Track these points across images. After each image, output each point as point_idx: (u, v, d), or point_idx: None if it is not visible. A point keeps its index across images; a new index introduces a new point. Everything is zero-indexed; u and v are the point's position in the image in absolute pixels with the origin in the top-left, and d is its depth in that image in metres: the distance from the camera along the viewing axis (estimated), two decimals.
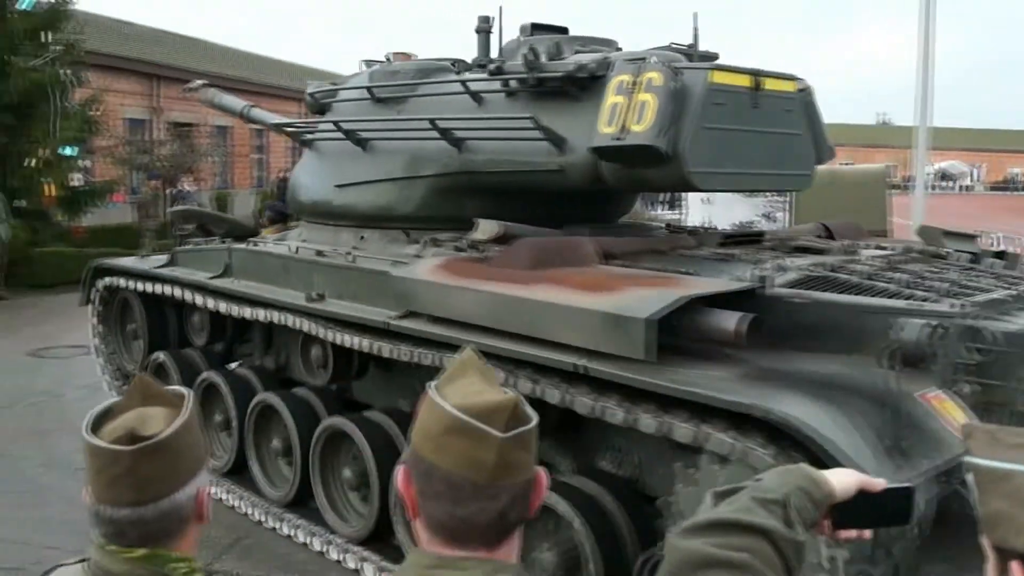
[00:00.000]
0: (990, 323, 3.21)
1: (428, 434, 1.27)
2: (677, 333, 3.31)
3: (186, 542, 1.53)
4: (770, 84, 4.46)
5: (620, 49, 4.90)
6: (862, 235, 5.23)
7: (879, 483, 1.43)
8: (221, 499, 5.82)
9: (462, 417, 1.24)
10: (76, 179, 16.27)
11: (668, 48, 4.68)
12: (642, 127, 4.09)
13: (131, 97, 25.57)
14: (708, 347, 3.32)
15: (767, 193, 11.03)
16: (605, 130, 4.18)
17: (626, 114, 4.14)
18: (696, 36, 4.79)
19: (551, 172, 4.49)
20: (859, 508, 1.40)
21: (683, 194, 12.83)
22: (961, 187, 72.01)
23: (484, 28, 5.24)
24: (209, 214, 7.55)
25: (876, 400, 2.88)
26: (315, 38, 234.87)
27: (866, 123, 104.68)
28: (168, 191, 17.94)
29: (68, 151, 16.00)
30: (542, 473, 1.35)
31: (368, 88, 5.28)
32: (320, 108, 5.83)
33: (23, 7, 15.95)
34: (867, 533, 1.43)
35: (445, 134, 4.75)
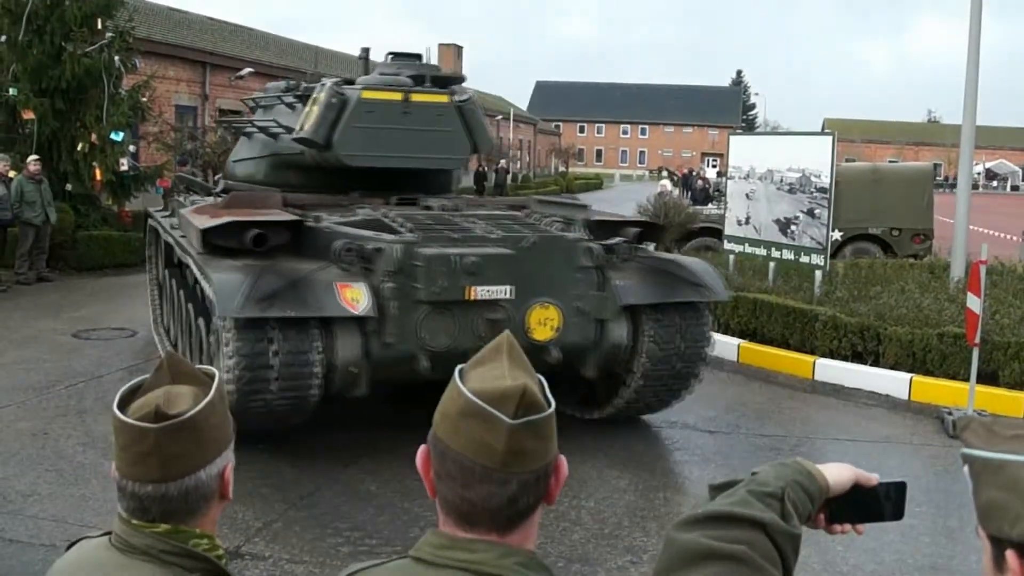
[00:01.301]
0: (422, 248, 6.03)
1: (446, 415, 1.28)
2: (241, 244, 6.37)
3: (208, 519, 1.53)
4: (420, 97, 7.53)
5: (424, 76, 7.84)
6: (555, 208, 7.89)
7: (873, 478, 1.44)
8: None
9: (474, 400, 1.25)
10: (124, 164, 16.35)
11: (409, 68, 7.91)
12: (308, 127, 7.43)
13: (180, 84, 25.72)
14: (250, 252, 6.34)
15: (811, 190, 10.91)
16: (296, 129, 7.59)
17: (304, 119, 7.51)
18: (427, 61, 8.17)
19: (298, 155, 7.89)
20: (854, 502, 1.41)
21: (723, 190, 14.12)
22: (1010, 187, 70.32)
23: (363, 56, 8.61)
24: (192, 180, 10.68)
25: (287, 275, 5.83)
26: (375, 25, 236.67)
27: (916, 120, 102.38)
28: (216, 177, 18.04)
29: (117, 136, 16.13)
30: (562, 460, 1.34)
31: (254, 99, 8.90)
32: (252, 109, 9.10)
33: None
34: (861, 527, 1.45)
35: (264, 131, 8.35)
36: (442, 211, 7.19)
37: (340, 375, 6.07)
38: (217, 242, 6.35)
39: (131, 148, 17.32)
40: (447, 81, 8.08)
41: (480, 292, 6.14)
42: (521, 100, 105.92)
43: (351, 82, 7.80)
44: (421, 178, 8.12)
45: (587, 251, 6.55)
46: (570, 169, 70.45)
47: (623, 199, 34.33)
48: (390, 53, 8.18)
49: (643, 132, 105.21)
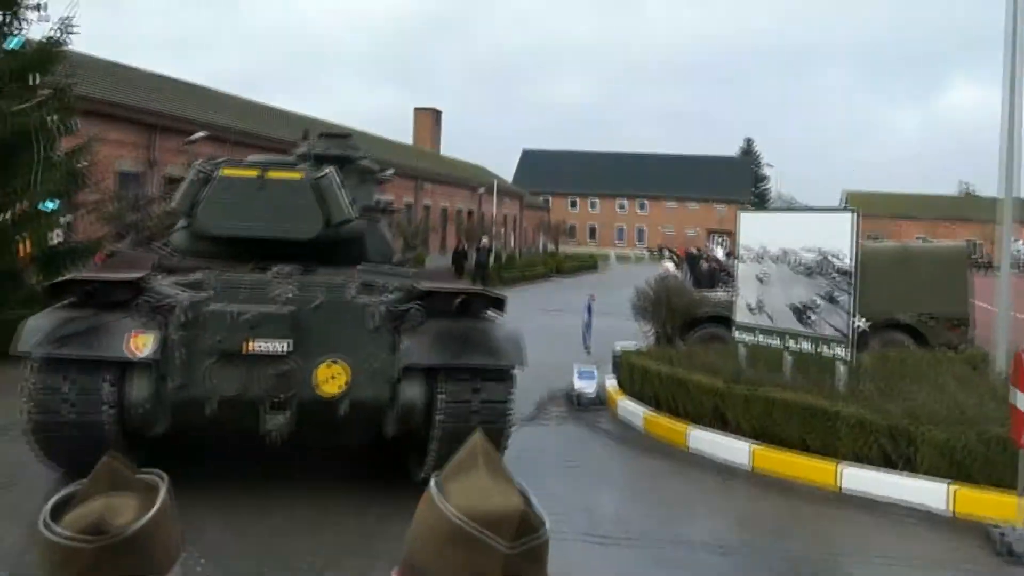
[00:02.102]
0: (209, 305, 7.83)
1: (426, 540, 1.24)
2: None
3: None
4: (275, 174, 9.42)
5: (354, 148, 10.95)
6: (439, 277, 9.45)
7: None
8: None
9: (464, 525, 1.22)
10: (56, 237, 16.20)
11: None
12: (176, 199, 9.66)
13: (124, 148, 25.80)
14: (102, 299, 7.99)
15: (831, 273, 10.86)
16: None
17: (180, 194, 9.61)
18: (353, 145, 11.10)
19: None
20: None
21: (733, 275, 14.08)
22: None
23: (304, 136, 11.30)
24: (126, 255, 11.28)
25: (91, 322, 7.64)
26: (338, 86, 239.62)
27: (948, 193, 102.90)
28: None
29: (49, 205, 16.04)
30: None
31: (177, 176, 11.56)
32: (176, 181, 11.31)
33: (10, 46, 16.09)
34: None
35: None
36: (276, 276, 8.73)
37: (132, 414, 7.85)
38: (68, 298, 8.08)
39: (65, 219, 17.15)
40: (343, 160, 10.59)
41: (257, 345, 7.81)
42: (507, 170, 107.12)
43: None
44: (323, 248, 9.65)
45: (377, 314, 8.08)
46: (560, 248, 70.88)
47: (620, 282, 34.13)
48: (320, 133, 11.29)
49: (642, 207, 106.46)
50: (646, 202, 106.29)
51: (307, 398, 7.94)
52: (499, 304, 8.67)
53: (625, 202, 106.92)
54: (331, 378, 7.96)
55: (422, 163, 52.71)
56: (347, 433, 8.68)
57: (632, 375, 12.88)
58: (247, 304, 7.97)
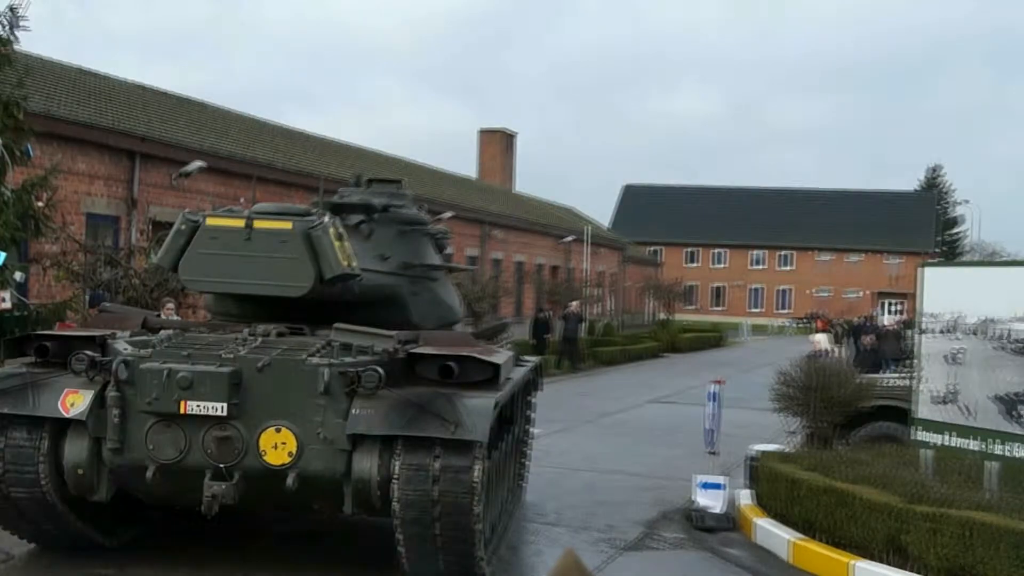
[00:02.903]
0: (144, 363, 9.37)
1: None
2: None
3: None
4: (263, 224, 10.38)
5: (403, 191, 12.91)
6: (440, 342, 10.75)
7: None
8: None
9: None
10: (5, 299, 16.39)
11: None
12: (159, 253, 10.75)
13: (96, 183, 26.15)
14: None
15: None
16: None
17: (164, 246, 10.73)
18: (358, 180, 13.20)
19: None
20: None
21: (910, 352, 14.07)
22: None
23: (355, 182, 13.22)
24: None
25: (32, 380, 9.75)
26: (378, 101, 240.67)
27: None
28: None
29: None
30: None
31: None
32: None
33: None
34: None
35: None
36: (249, 336, 10.27)
37: (69, 476, 9.66)
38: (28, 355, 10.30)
39: (18, 276, 17.33)
40: (368, 209, 12.14)
41: (192, 407, 9.25)
42: (602, 213, 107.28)
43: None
44: (338, 308, 11.11)
45: (330, 377, 9.34)
46: (675, 316, 70.68)
47: (756, 362, 34.17)
48: (368, 179, 13.29)
49: (785, 261, 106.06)
50: (791, 254, 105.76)
51: (253, 467, 9.37)
52: (491, 370, 9.91)
53: (762, 254, 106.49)
54: (276, 446, 9.38)
55: (490, 202, 53.38)
56: (302, 509, 10.49)
57: (774, 488, 12.73)
58: (184, 364, 9.44)
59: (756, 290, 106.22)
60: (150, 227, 25.18)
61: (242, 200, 29.56)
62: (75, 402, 9.49)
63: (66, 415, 9.48)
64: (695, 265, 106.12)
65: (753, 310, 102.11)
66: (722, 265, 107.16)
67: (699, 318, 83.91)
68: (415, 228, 12.77)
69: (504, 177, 69.26)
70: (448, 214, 39.36)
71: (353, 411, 9.38)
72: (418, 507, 9.26)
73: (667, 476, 15.28)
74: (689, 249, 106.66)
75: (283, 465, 9.32)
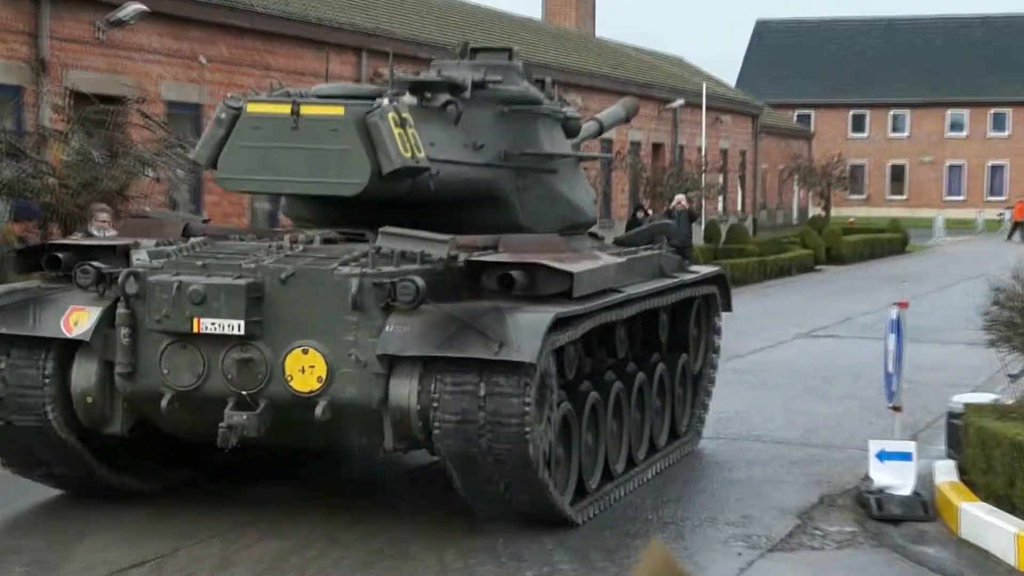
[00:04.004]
0: (154, 275, 11.23)
1: None
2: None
3: None
4: (310, 110, 11.92)
5: (511, 59, 14.40)
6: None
7: None
8: None
9: None
10: None
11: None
12: (197, 147, 13.04)
13: None
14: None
15: None
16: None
17: (202, 139, 13.13)
18: (467, 48, 14.58)
19: None
20: None
21: None
22: None
23: (461, 51, 14.51)
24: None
25: (35, 295, 11.87)
26: None
27: None
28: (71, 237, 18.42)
29: None
30: None
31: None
32: None
33: None
34: None
35: None
36: (290, 243, 11.93)
37: (78, 405, 11.52)
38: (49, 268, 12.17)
39: None
40: (456, 87, 13.28)
41: (206, 324, 10.94)
42: (725, 65, 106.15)
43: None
44: (448, 210, 12.82)
45: (361, 289, 10.92)
46: (834, 210, 70.14)
47: (954, 275, 33.81)
48: (473, 47, 14.60)
49: (999, 123, 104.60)
50: (1007, 113, 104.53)
51: (279, 395, 11.06)
52: (566, 280, 11.40)
53: (964, 115, 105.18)
54: (303, 370, 11.01)
55: (561, 53, 53.20)
56: (336, 442, 12.22)
57: (989, 457, 12.71)
58: (198, 275, 11.13)
59: (955, 168, 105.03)
60: (69, 101, 24.97)
61: (202, 60, 29.77)
62: (79, 320, 11.22)
63: (69, 335, 11.27)
64: (862, 136, 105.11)
65: (951, 198, 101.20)
66: (903, 133, 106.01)
67: (870, 212, 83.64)
68: (523, 108, 13.82)
69: (580, 17, 68.70)
70: (573, 108, 39.01)
71: (387, 328, 10.90)
72: (462, 443, 10.92)
73: (828, 443, 15.24)
74: (854, 112, 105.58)
75: (311, 392, 10.98)
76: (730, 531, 12.44)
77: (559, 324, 11.41)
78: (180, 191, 26.81)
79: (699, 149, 59.03)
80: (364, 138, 11.96)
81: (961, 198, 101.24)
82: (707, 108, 60.25)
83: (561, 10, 67.63)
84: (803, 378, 21.18)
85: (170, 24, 29.50)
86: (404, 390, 11.01)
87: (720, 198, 62.21)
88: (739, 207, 67.05)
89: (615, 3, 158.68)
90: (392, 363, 11.02)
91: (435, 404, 10.90)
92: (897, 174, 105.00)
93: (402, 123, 12.09)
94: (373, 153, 11.96)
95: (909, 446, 13.46)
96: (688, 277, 15.47)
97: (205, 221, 15.14)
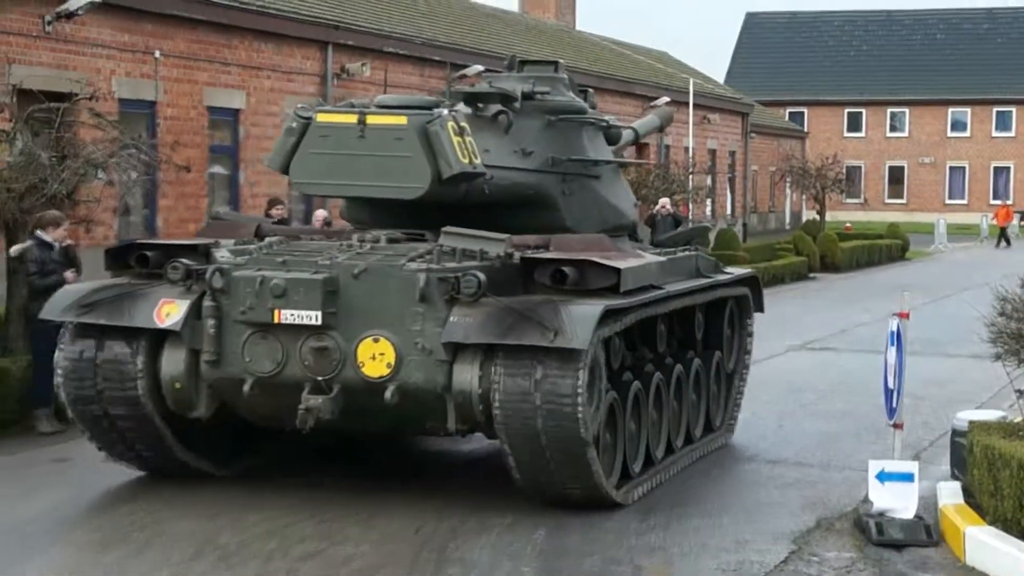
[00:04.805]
0: (238, 271, 13.55)
1: None
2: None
3: None
4: (376, 120, 14.20)
5: (557, 71, 17.07)
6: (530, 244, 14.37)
7: None
8: None
9: None
10: None
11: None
12: (270, 155, 15.39)
13: None
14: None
15: None
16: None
17: (275, 147, 15.23)
18: (515, 61, 17.34)
19: None
20: None
21: None
22: None
23: (509, 65, 17.24)
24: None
25: (126, 290, 14.17)
26: None
27: None
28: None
29: None
30: None
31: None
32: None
33: None
34: None
35: None
36: (359, 242, 14.12)
37: (167, 390, 13.64)
38: (134, 264, 14.26)
39: None
40: (507, 98, 15.29)
41: (286, 315, 12.99)
42: (714, 60, 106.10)
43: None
44: (500, 213, 14.80)
45: (428, 283, 12.97)
46: (829, 214, 70.19)
47: (956, 283, 33.84)
48: (522, 60, 17.15)
49: (1004, 122, 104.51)
50: (1011, 112, 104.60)
51: (352, 380, 13.14)
52: (613, 275, 13.27)
53: (967, 113, 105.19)
54: (374, 357, 13.04)
55: (539, 47, 53.21)
56: (402, 426, 14.65)
57: (996, 478, 12.70)
58: (278, 271, 13.22)
59: (957, 170, 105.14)
60: (14, 99, 24.80)
61: (157, 54, 29.66)
62: (170, 312, 13.35)
63: (161, 325, 13.40)
64: (859, 135, 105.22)
65: (953, 202, 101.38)
66: (902, 133, 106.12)
67: (867, 217, 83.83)
68: (569, 117, 15.94)
69: (560, 9, 68.81)
70: (474, 69, 39.23)
71: (451, 319, 12.96)
72: (519, 423, 12.91)
73: (824, 463, 15.49)
74: (850, 110, 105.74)
75: (382, 377, 13.04)
76: (722, 558, 12.45)
77: (608, 315, 13.27)
78: (133, 195, 26.71)
79: (686, 149, 59.02)
80: (425, 145, 13.91)
81: (963, 202, 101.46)
82: (694, 106, 60.16)
83: (539, 1, 67.67)
84: (797, 393, 21.23)
85: (122, 16, 29.31)
86: (467, 375, 13.07)
87: (708, 202, 62.21)
88: (728, 211, 67.11)
89: None
90: (456, 351, 13.06)
91: (495, 387, 12.89)
92: (896, 176, 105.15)
93: (460, 131, 14.04)
94: (434, 159, 13.91)
95: (911, 466, 13.47)
96: (723, 278, 17.52)
97: (275, 222, 18.49)
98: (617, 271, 13.25)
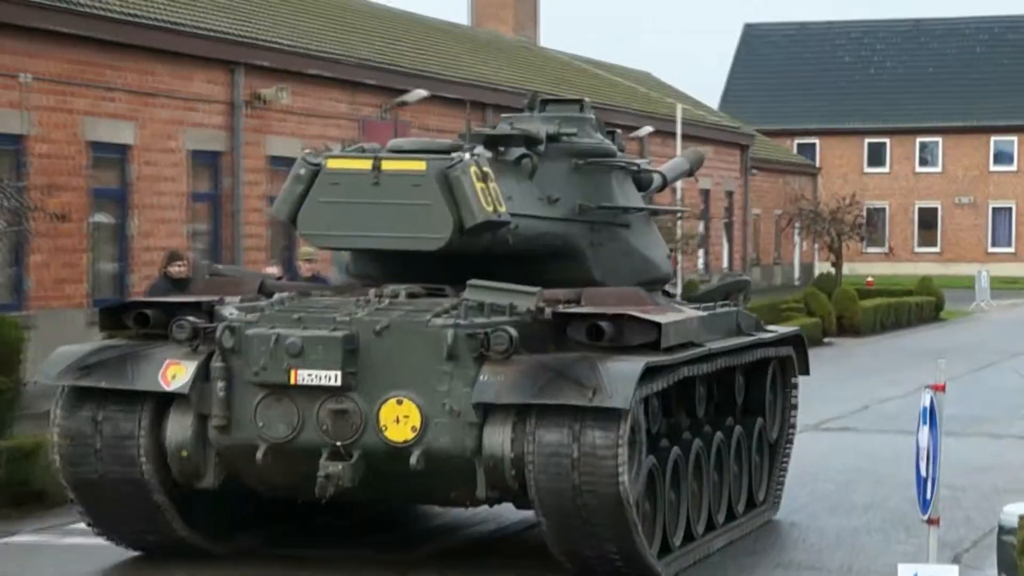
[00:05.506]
0: (250, 328, 14.57)
1: None
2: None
3: None
4: (392, 165, 15.28)
5: (583, 111, 18.16)
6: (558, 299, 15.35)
7: None
8: None
9: None
10: None
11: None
12: (276, 203, 16.63)
13: None
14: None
15: None
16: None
17: (281, 194, 16.27)
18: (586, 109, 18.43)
19: None
20: None
21: None
22: None
23: (530, 104, 18.15)
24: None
25: (126, 350, 15.36)
26: None
27: None
28: None
29: None
30: None
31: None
32: None
33: None
34: None
35: None
36: (375, 298, 14.83)
37: (173, 460, 14.47)
38: (129, 323, 15.20)
39: None
40: (532, 141, 16.24)
41: (303, 376, 13.81)
42: (705, 83, 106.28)
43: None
44: (523, 265, 15.68)
45: (455, 340, 13.80)
46: (845, 266, 70.35)
47: (1003, 349, 33.95)
48: (543, 99, 18.07)
49: None
50: None
51: (374, 445, 13.98)
52: (654, 331, 14.13)
53: (1012, 141, 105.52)
54: (397, 420, 13.89)
55: (494, 67, 53.77)
56: (429, 492, 15.36)
57: None
58: (294, 329, 14.11)
59: (1002, 212, 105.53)
60: None
61: (25, 77, 29.59)
62: (176, 374, 14.21)
63: (167, 388, 14.25)
64: (882, 170, 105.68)
65: (997, 250, 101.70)
66: (934, 168, 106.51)
67: (893, 269, 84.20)
68: (597, 161, 16.92)
69: (519, 22, 69.14)
70: (416, 94, 39.29)
71: (481, 378, 13.82)
72: (556, 486, 13.72)
73: (845, 567, 15.51)
74: (871, 140, 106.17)
75: (406, 442, 13.89)
76: None
77: (648, 373, 14.02)
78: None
79: (673, 190, 59.13)
80: (446, 193, 14.80)
81: (1010, 250, 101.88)
82: (683, 137, 60.36)
83: (495, 13, 67.92)
84: (812, 483, 21.22)
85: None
86: (498, 438, 13.90)
87: (701, 252, 62.38)
88: (725, 263, 67.34)
89: (566, 5, 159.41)
90: (486, 412, 13.90)
91: (530, 449, 13.71)
92: (927, 220, 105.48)
93: (483, 177, 14.90)
94: (455, 207, 14.78)
95: (950, 571, 13.36)
96: (766, 336, 18.64)
97: (278, 279, 19.25)
98: (658, 326, 14.09)
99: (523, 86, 52.09)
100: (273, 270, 26.27)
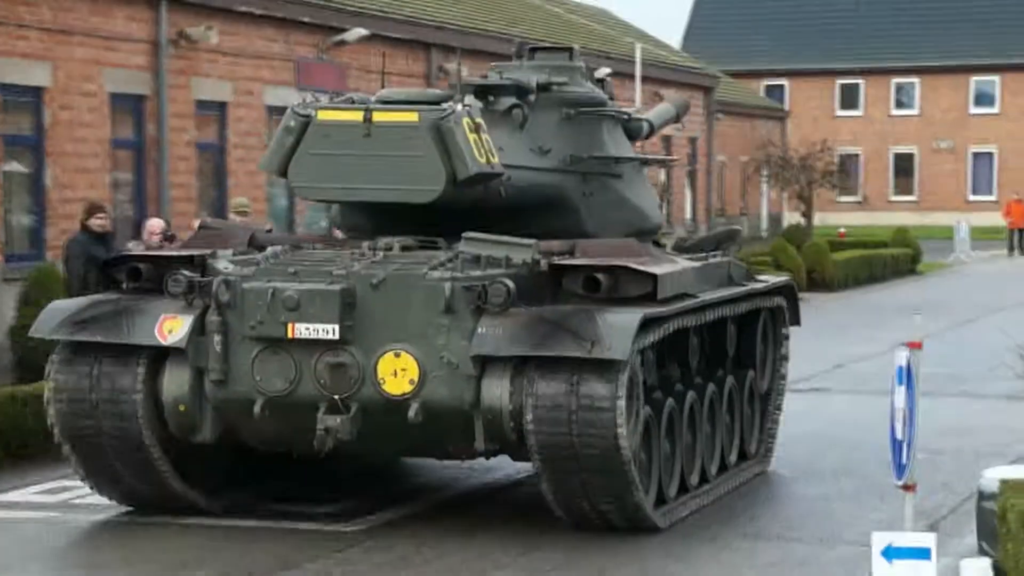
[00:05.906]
0: (247, 282, 15.80)
1: None
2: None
3: None
4: (383, 117, 16.50)
5: (572, 59, 19.53)
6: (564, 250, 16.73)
7: None
8: None
9: None
10: None
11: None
12: (265, 156, 18.53)
13: None
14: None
15: None
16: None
17: (270, 147, 18.32)
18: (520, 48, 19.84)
19: None
20: None
21: None
22: None
23: (518, 52, 19.41)
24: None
25: (122, 305, 16.72)
26: None
27: None
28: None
29: None
30: None
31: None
32: None
33: None
34: None
35: None
36: (370, 250, 15.77)
37: (170, 414, 15.62)
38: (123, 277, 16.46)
39: None
40: (522, 91, 17.47)
41: (300, 330, 14.86)
42: (668, 19, 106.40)
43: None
44: (515, 216, 16.60)
45: (453, 292, 14.81)
46: (816, 216, 70.53)
47: (983, 303, 34.12)
48: (531, 47, 18.91)
49: None
50: None
51: (371, 398, 15.04)
52: (649, 282, 15.22)
53: (994, 81, 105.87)
54: (395, 373, 14.93)
55: (440, 5, 52.70)
56: (427, 446, 16.55)
57: None
58: (290, 282, 15.08)
59: (983, 157, 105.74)
60: None
61: None
62: (173, 328, 15.26)
63: (164, 343, 15.30)
64: (855, 114, 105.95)
65: (977, 198, 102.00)
66: (911, 111, 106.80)
67: (867, 219, 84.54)
68: (588, 111, 18.10)
69: None
70: (355, 33, 39.27)
71: (479, 330, 14.86)
72: (554, 437, 14.73)
73: (816, 537, 15.65)
74: (844, 80, 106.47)
75: (404, 395, 14.96)
76: None
77: (646, 325, 15.15)
78: None
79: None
80: (439, 144, 15.78)
81: (991, 198, 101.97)
82: (643, 79, 60.39)
83: None
84: (781, 448, 21.27)
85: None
86: (496, 390, 14.97)
87: (663, 203, 62.45)
88: (688, 214, 67.40)
89: None
90: (484, 364, 14.97)
91: (528, 401, 14.70)
92: (904, 166, 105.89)
93: (476, 128, 15.93)
94: (448, 159, 15.78)
95: (926, 539, 13.41)
96: (757, 286, 19.83)
97: (268, 231, 20.34)
98: (654, 277, 15.19)
99: (470, 25, 52.14)
100: (159, 222, 27.77)
